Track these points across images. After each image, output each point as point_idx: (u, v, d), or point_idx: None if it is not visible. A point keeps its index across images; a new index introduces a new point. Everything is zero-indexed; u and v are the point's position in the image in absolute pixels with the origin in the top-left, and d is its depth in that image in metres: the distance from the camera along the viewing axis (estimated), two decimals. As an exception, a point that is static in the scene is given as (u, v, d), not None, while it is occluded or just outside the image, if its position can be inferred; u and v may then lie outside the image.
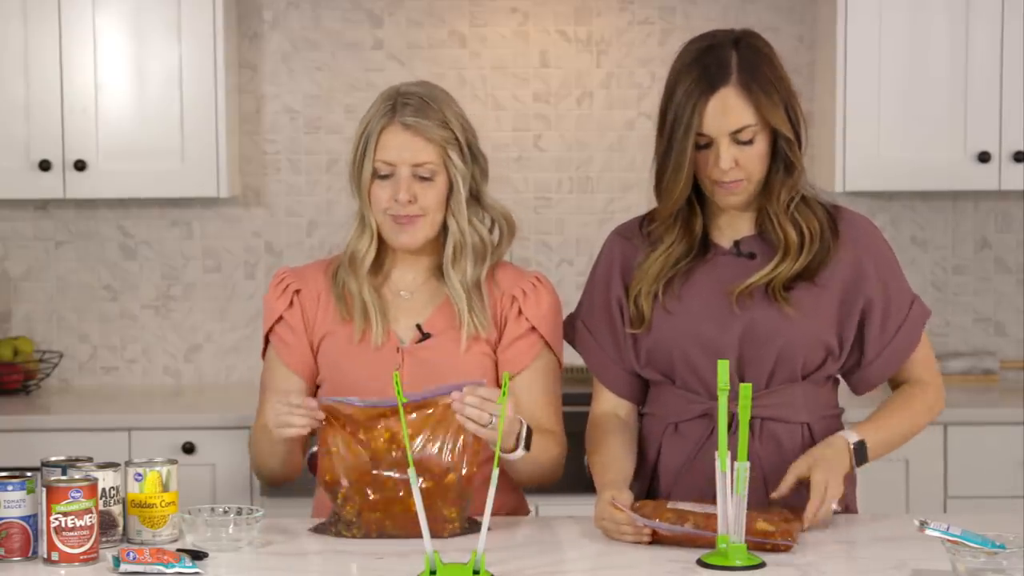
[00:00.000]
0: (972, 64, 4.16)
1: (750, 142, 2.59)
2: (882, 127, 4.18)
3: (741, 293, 2.63)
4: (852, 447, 2.58)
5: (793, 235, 2.63)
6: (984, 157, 4.17)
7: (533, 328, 2.76)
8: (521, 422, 2.60)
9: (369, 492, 2.50)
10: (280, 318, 2.80)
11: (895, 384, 2.77)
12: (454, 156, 2.72)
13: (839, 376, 2.75)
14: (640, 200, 4.55)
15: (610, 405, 2.78)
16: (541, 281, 2.80)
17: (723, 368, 2.35)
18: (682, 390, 2.68)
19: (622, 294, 2.73)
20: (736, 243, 2.69)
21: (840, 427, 2.73)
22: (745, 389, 2.32)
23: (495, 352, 2.77)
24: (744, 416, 2.31)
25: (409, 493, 2.40)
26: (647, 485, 2.74)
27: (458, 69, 4.49)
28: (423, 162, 2.70)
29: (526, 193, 4.53)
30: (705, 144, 2.59)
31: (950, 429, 3.98)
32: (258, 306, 4.53)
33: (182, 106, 4.20)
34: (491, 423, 2.48)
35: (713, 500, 2.38)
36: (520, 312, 2.76)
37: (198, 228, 4.54)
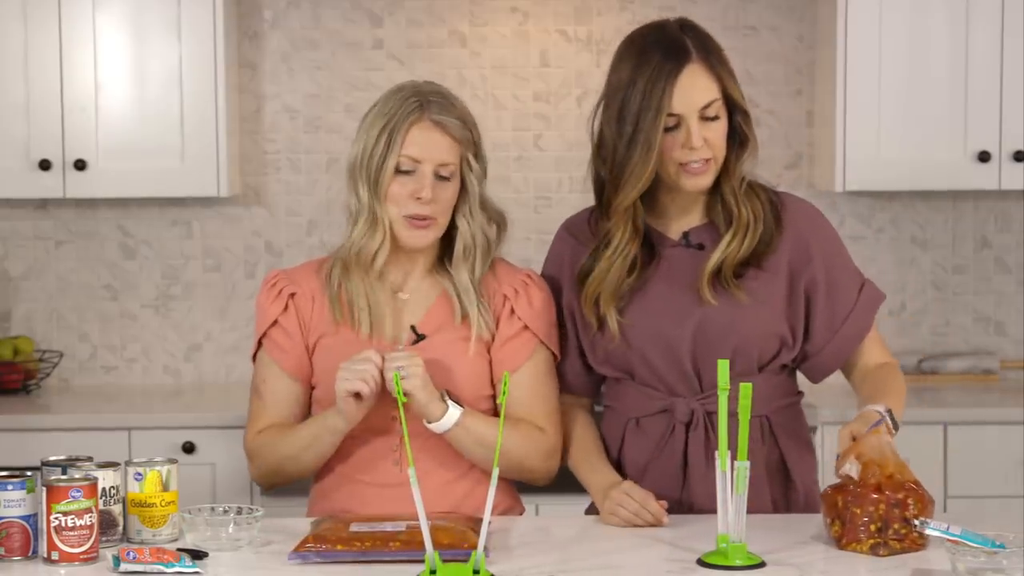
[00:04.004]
0: (972, 64, 4.16)
1: (716, 118, 2.61)
2: (882, 127, 4.18)
3: (703, 284, 2.63)
4: (888, 421, 2.49)
5: (745, 213, 2.65)
6: (984, 157, 4.17)
7: (525, 327, 2.76)
8: (443, 393, 2.65)
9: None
10: (275, 322, 2.77)
11: (850, 366, 2.75)
12: (471, 158, 2.72)
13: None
14: (640, 200, 4.56)
15: (572, 397, 2.82)
16: (532, 278, 2.80)
17: (723, 368, 2.35)
18: (641, 386, 2.69)
19: (573, 299, 2.75)
20: (685, 234, 2.70)
21: (800, 412, 2.75)
22: (746, 389, 2.31)
23: (489, 351, 2.76)
24: (744, 416, 2.31)
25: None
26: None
27: (458, 69, 4.49)
28: (447, 162, 2.69)
29: (526, 193, 4.53)
30: (673, 126, 2.60)
31: (950, 429, 3.98)
32: (258, 306, 4.53)
33: (182, 106, 4.20)
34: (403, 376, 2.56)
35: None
36: (512, 311, 2.76)
37: (198, 227, 4.54)
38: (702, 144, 2.60)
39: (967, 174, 4.19)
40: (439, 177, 2.69)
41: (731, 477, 2.33)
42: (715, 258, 2.64)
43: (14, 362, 4.35)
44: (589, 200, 4.55)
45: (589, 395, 2.84)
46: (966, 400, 4.15)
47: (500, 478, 2.75)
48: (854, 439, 2.44)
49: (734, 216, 2.65)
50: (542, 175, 4.55)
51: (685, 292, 2.66)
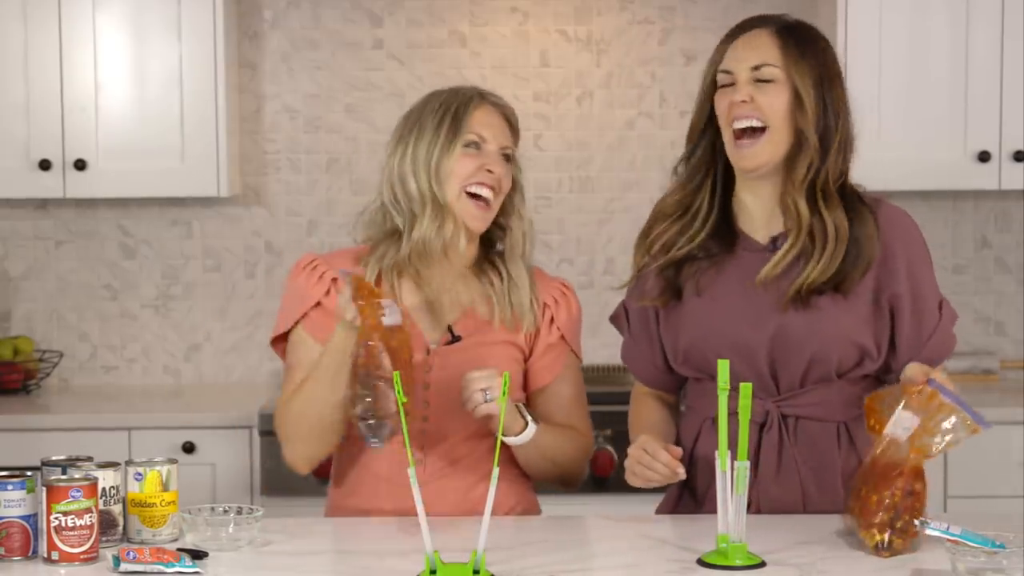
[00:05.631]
0: (972, 64, 4.16)
1: (770, 81, 2.57)
2: (882, 127, 4.18)
3: (781, 292, 2.60)
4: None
5: (806, 213, 2.58)
6: (984, 157, 4.17)
7: (562, 337, 2.80)
8: (518, 406, 2.67)
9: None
10: (318, 303, 2.73)
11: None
12: (516, 153, 2.78)
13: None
14: (640, 200, 4.56)
15: (648, 388, 2.82)
16: (568, 287, 2.85)
17: (723, 368, 2.35)
18: None
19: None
20: (773, 239, 2.65)
21: None
22: (745, 389, 2.31)
23: (525, 360, 2.78)
24: (744, 416, 2.31)
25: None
26: (682, 482, 2.73)
27: (458, 69, 4.49)
28: (507, 145, 2.74)
29: (526, 193, 4.52)
30: (728, 83, 2.59)
31: (950, 429, 3.98)
32: (258, 306, 4.54)
33: (182, 106, 4.20)
34: (487, 399, 2.56)
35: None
36: (552, 321, 2.79)
37: (198, 227, 4.54)
38: (746, 99, 2.56)
39: (967, 174, 4.19)
40: (503, 156, 2.73)
41: (731, 477, 2.33)
42: (796, 282, 2.58)
43: (14, 362, 4.35)
44: (589, 200, 4.58)
45: (668, 391, 2.80)
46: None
47: (523, 480, 2.77)
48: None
49: (793, 217, 2.59)
50: (542, 175, 4.55)
51: (765, 297, 2.61)
